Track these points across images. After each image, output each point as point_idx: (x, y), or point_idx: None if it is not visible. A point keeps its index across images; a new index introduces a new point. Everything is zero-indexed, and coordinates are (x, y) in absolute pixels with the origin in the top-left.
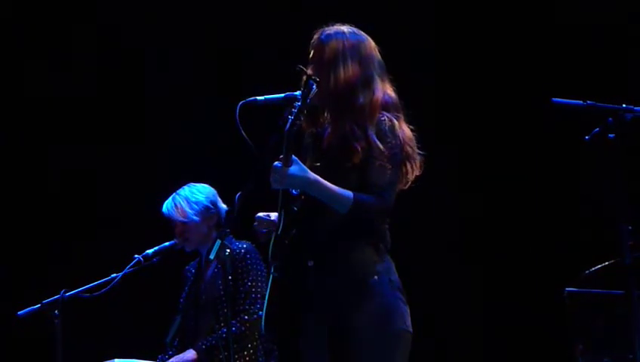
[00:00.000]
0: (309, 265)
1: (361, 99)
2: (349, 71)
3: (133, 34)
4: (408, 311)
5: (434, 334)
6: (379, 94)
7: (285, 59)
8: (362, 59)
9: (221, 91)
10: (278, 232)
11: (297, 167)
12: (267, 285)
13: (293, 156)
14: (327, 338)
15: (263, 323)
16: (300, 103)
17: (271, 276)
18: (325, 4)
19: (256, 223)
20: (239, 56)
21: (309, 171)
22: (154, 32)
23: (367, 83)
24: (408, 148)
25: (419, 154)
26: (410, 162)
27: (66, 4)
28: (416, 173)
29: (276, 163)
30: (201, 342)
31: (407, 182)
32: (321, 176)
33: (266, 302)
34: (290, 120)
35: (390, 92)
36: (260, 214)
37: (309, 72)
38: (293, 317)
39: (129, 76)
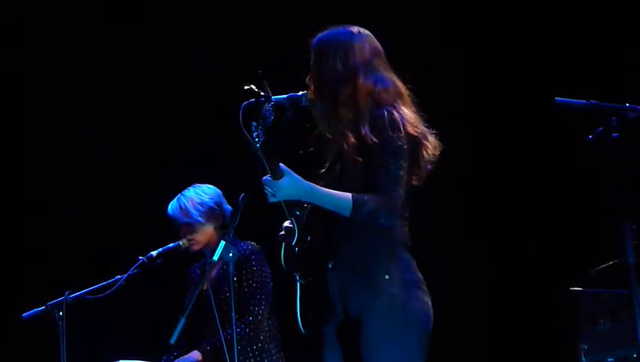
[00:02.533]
0: (329, 266)
1: (343, 93)
2: (329, 67)
3: (138, 37)
4: (426, 309)
5: (438, 334)
6: (366, 82)
7: (289, 60)
8: (347, 52)
9: (225, 91)
10: (293, 242)
11: (288, 179)
12: (271, 286)
13: (282, 166)
14: (341, 336)
15: (301, 328)
16: (254, 122)
17: (297, 284)
18: (329, 5)
19: (282, 233)
20: (243, 57)
21: (301, 180)
22: (160, 34)
23: (350, 75)
24: (414, 132)
25: (430, 133)
26: (424, 145)
27: None
28: (436, 152)
29: (265, 177)
30: (205, 343)
31: (428, 164)
32: (328, 181)
33: (297, 308)
34: (253, 139)
35: (387, 78)
36: (287, 223)
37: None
38: (325, 318)
39: (133, 75)
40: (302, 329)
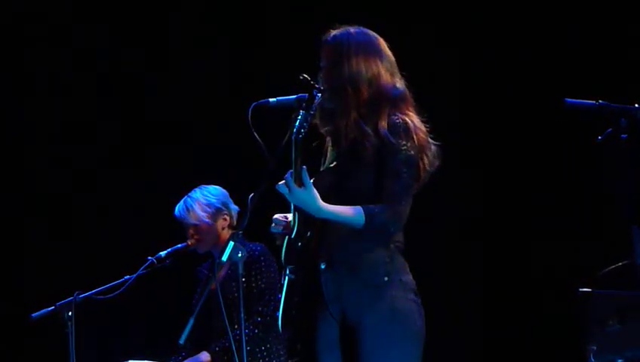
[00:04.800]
0: (322, 267)
1: (367, 94)
2: (353, 67)
3: (147, 33)
4: (421, 311)
5: (446, 334)
6: (385, 87)
7: (297, 60)
8: (368, 55)
9: (233, 92)
10: (292, 235)
11: (306, 192)
12: (280, 287)
13: (305, 174)
14: (338, 338)
15: (279, 323)
16: (304, 112)
17: (286, 278)
18: (337, 6)
19: (273, 225)
20: (250, 57)
21: (316, 199)
22: (168, 32)
23: (373, 78)
24: (423, 142)
25: (434, 144)
26: (426, 155)
27: None
28: (436, 163)
29: (288, 174)
30: (214, 344)
31: (427, 174)
32: (334, 178)
33: (282, 303)
34: (295, 128)
35: (399, 85)
36: (277, 216)
37: (317, 78)
38: (309, 318)
39: (141, 75)
40: (280, 326)
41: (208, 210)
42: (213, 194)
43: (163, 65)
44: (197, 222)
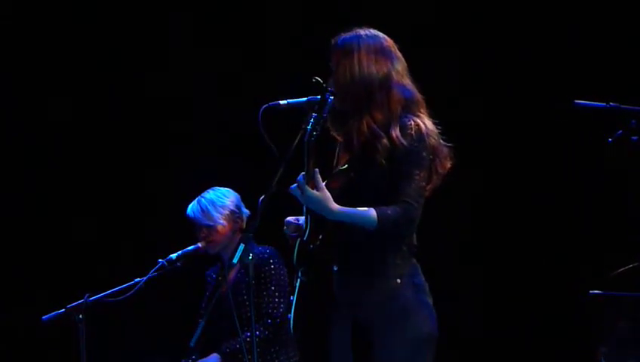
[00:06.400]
0: (334, 269)
1: (378, 96)
2: (364, 70)
3: (155, 34)
4: (434, 313)
5: (455, 336)
6: (397, 89)
7: (297, 60)
8: (379, 57)
9: (234, 92)
10: (304, 238)
11: (320, 197)
12: (289, 289)
13: (317, 176)
14: (350, 340)
15: (291, 325)
16: (316, 114)
17: (298, 280)
18: (337, 6)
19: (285, 227)
20: (251, 57)
21: (330, 202)
22: (168, 32)
23: (384, 80)
24: (435, 144)
25: (445, 145)
26: (438, 157)
27: None
28: (448, 165)
29: (300, 176)
30: (224, 346)
31: (439, 177)
32: (345, 181)
33: (293, 305)
34: (308, 130)
35: (410, 87)
36: (290, 218)
37: (328, 81)
38: (321, 320)
39: (150, 76)
40: (292, 328)
41: (222, 211)
42: (227, 196)
43: (163, 65)
44: (211, 223)
